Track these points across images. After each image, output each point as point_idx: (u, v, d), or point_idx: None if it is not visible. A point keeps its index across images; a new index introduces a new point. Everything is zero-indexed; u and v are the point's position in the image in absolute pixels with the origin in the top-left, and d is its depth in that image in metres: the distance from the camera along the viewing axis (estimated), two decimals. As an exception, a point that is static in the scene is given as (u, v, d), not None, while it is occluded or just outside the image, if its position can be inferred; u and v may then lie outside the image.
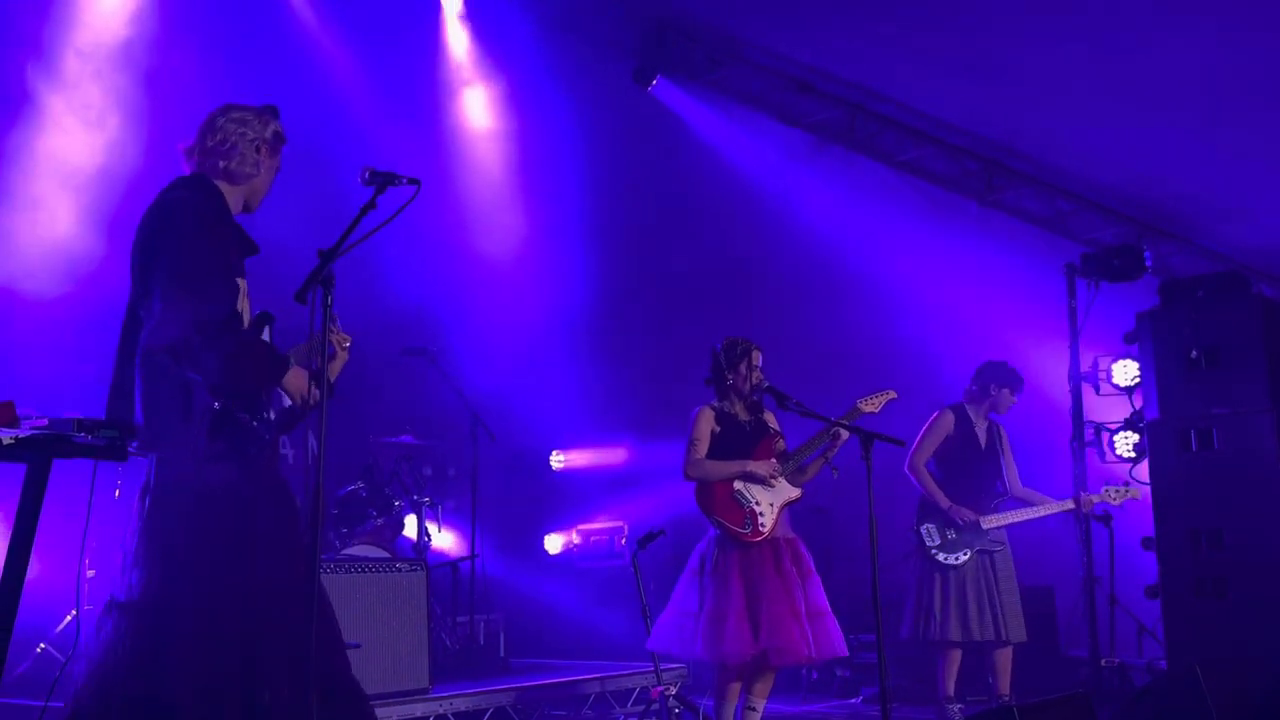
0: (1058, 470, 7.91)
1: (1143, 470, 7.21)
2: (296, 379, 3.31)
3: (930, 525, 6.26)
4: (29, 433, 3.09)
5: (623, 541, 8.41)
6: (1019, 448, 6.76)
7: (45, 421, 3.12)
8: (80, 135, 6.77)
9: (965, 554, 6.17)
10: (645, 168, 8.78)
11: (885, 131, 8.57)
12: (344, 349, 3.43)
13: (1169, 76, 7.00)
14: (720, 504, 5.20)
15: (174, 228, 3.20)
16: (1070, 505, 6.42)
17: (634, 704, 6.47)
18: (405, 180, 3.33)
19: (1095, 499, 6.45)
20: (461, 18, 8.40)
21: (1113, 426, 7.85)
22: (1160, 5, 6.52)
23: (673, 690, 5.68)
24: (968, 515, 6.21)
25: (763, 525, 5.15)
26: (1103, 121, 7.63)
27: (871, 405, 5.32)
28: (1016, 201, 8.63)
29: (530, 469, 9.54)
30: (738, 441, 5.30)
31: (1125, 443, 7.77)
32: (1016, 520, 6.31)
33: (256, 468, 3.27)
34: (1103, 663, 7.17)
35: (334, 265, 3.19)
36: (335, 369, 3.41)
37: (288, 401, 3.42)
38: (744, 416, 5.36)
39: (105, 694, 3.05)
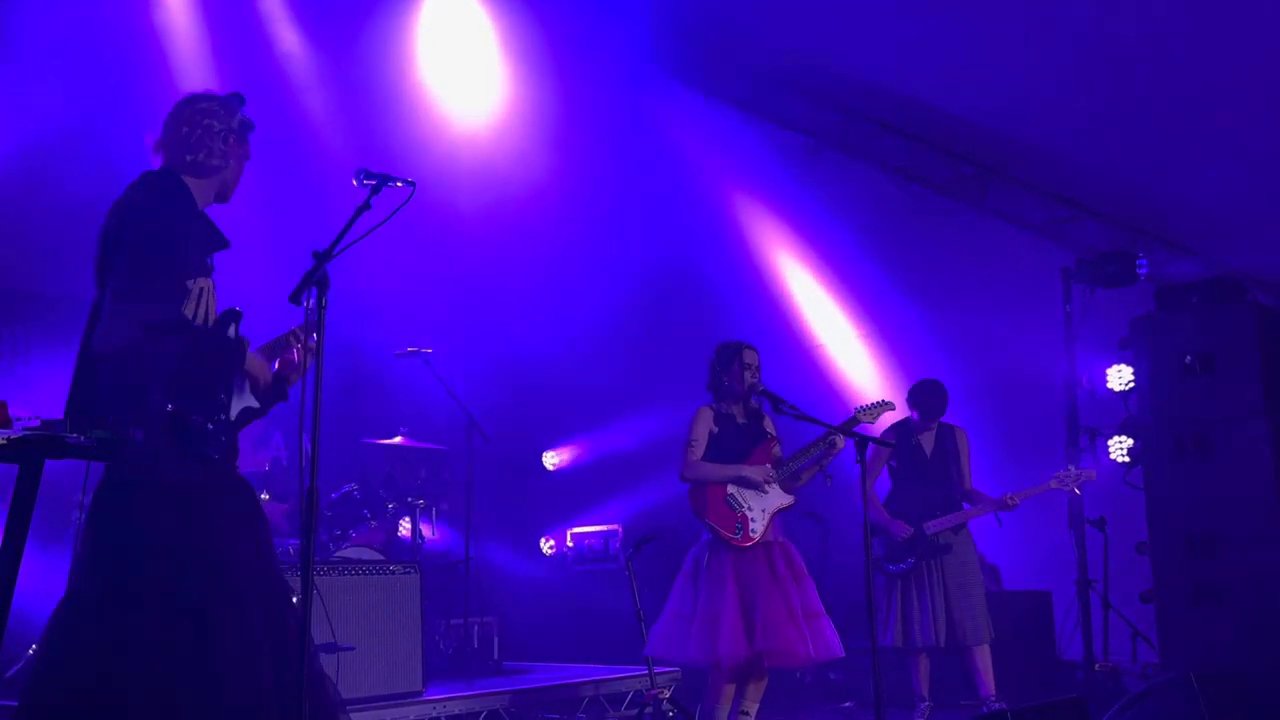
0: (1052, 474, 7.91)
1: (1137, 475, 7.22)
2: (254, 365, 3.33)
3: (875, 540, 6.43)
4: (21, 433, 3.08)
5: (617, 544, 8.40)
6: (1013, 451, 6.77)
7: (38, 422, 3.11)
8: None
9: (910, 561, 6.32)
10: (636, 168, 8.76)
11: (881, 136, 8.58)
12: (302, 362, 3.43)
13: (1166, 83, 7.01)
14: (712, 508, 5.21)
15: (128, 230, 3.17)
16: (1008, 503, 6.33)
17: (628, 707, 6.46)
18: (400, 181, 3.33)
19: (1018, 497, 6.33)
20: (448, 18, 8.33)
21: (1107, 431, 7.85)
22: (1157, 13, 6.53)
23: (667, 694, 5.68)
24: (903, 530, 6.36)
25: (753, 531, 5.16)
26: (1099, 127, 7.64)
27: (869, 416, 5.36)
28: (1012, 207, 8.64)
29: (524, 471, 9.54)
30: (735, 443, 5.30)
31: (1119, 447, 7.78)
32: (956, 521, 6.38)
33: (214, 466, 3.27)
34: (1097, 667, 7.18)
35: (329, 266, 3.18)
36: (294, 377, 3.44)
37: (251, 402, 3.43)
38: (741, 419, 5.37)
39: (47, 681, 3.04)
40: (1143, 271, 7.80)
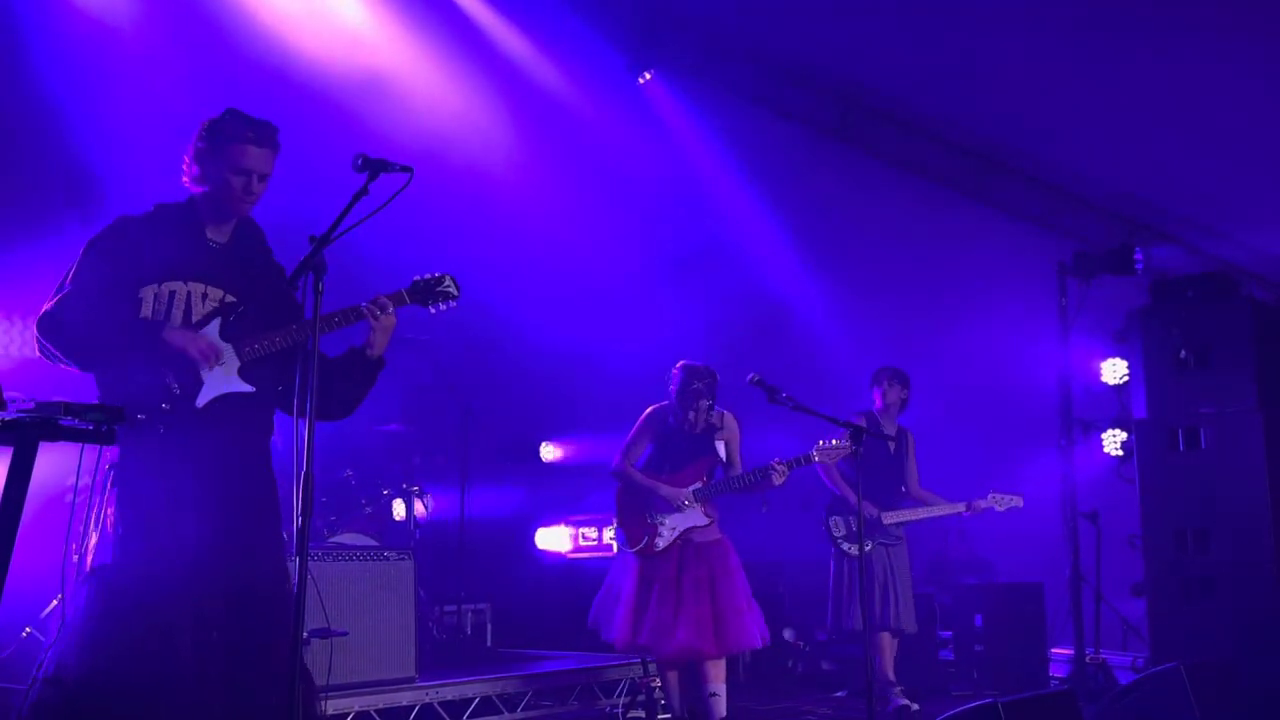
0: (1046, 466, 7.94)
1: (1131, 468, 7.24)
2: (177, 338, 3.40)
3: (837, 518, 6.60)
4: (14, 415, 3.07)
5: (611, 534, 8.40)
6: (1007, 445, 6.80)
7: (32, 404, 3.10)
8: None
9: (868, 545, 6.47)
10: (635, 157, 8.73)
11: (880, 127, 8.56)
12: (382, 318, 3.60)
13: (1164, 77, 7.01)
14: (626, 514, 5.50)
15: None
16: (961, 507, 6.59)
17: (620, 695, 6.47)
18: (398, 167, 3.32)
19: (983, 504, 6.55)
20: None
21: (1101, 425, 7.87)
22: (1158, 7, 6.53)
23: (658, 683, 5.69)
24: (871, 510, 6.47)
25: (657, 544, 5.38)
26: (1096, 120, 7.64)
27: (826, 456, 5.43)
28: (1010, 199, 8.64)
29: (520, 459, 9.53)
30: (673, 454, 5.49)
31: (1113, 441, 7.80)
32: (913, 518, 6.61)
33: (154, 445, 3.37)
34: (1087, 659, 7.21)
35: (325, 251, 3.18)
36: (378, 342, 3.61)
37: (235, 387, 3.48)
38: (697, 430, 5.46)
39: (64, 655, 3.25)
40: (1139, 265, 7.80)
